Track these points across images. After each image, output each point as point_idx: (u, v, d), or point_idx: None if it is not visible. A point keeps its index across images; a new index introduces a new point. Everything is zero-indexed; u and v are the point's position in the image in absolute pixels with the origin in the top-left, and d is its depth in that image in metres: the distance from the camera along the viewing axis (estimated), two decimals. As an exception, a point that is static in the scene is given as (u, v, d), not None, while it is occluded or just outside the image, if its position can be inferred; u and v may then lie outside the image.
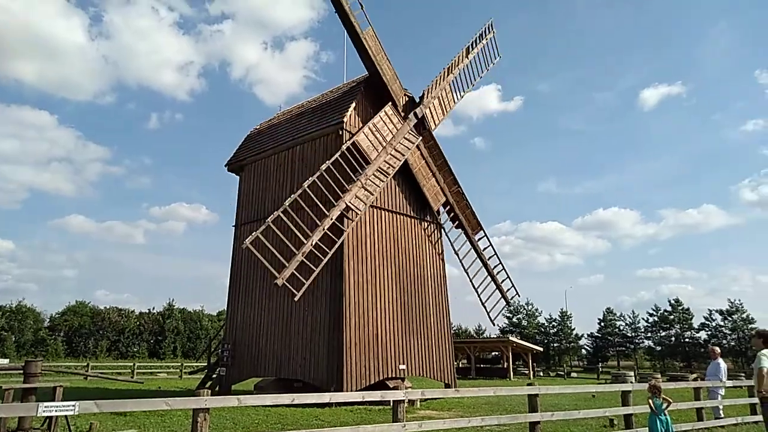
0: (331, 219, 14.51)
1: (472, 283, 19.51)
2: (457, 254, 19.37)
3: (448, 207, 19.38)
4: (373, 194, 15.94)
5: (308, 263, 13.92)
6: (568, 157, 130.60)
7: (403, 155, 17.30)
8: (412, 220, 18.55)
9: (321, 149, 17.38)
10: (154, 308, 61.63)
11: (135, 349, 56.50)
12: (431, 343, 17.81)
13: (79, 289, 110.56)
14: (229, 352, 18.68)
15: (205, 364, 22.63)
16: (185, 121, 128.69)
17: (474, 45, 21.00)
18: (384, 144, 16.74)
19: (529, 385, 8.39)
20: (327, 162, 14.80)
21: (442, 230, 19.58)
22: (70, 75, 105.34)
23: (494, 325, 22.10)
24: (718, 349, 12.70)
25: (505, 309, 21.59)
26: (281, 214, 13.70)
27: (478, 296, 19.65)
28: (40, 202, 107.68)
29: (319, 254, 14.17)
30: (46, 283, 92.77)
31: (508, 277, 20.54)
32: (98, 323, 56.31)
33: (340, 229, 14.79)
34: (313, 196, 14.33)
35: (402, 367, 16.44)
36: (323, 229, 14.27)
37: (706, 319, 58.41)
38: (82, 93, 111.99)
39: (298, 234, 13.86)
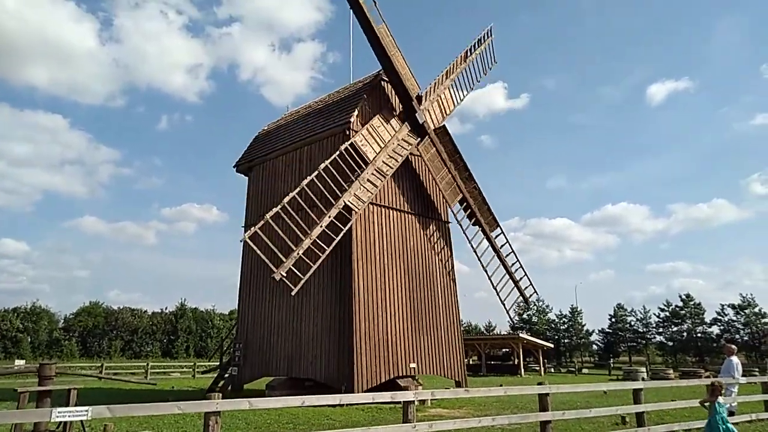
0: (330, 217, 14.51)
1: (492, 282, 19.21)
2: (475, 251, 19.13)
3: (465, 204, 19.16)
4: (371, 192, 15.91)
5: (307, 260, 13.90)
6: (577, 153, 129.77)
7: (402, 156, 17.30)
8: (421, 218, 18.54)
9: (328, 149, 17.40)
10: (166, 308, 62.21)
11: (148, 349, 56.99)
12: (441, 340, 17.82)
13: (93, 290, 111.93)
14: (240, 351, 18.82)
15: (218, 363, 22.81)
16: (195, 123, 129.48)
17: (473, 49, 21.10)
18: (382, 146, 16.79)
19: (539, 384, 8.37)
20: (325, 162, 14.89)
21: (460, 227, 19.21)
22: (82, 79, 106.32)
23: (514, 324, 21.96)
24: (734, 347, 12.60)
25: (524, 307, 21.39)
26: (280, 211, 13.76)
27: (498, 295, 19.38)
28: (53, 204, 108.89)
29: (318, 252, 14.18)
30: (60, 284, 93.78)
31: (526, 275, 20.28)
32: (112, 323, 56.85)
33: (338, 227, 14.74)
34: (312, 195, 14.39)
35: (412, 365, 16.47)
36: (322, 227, 14.29)
37: (718, 313, 57.89)
38: (93, 96, 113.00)
39: (297, 231, 13.89)
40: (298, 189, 14.29)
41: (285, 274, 13.36)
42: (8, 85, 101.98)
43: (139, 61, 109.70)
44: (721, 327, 57.27)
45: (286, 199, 13.99)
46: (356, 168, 15.61)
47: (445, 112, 20.03)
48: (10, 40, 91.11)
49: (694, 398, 9.83)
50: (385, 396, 7.07)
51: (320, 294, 16.33)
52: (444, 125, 19.33)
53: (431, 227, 18.90)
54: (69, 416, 4.70)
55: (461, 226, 19.15)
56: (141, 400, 14.65)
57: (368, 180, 15.96)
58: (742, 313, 55.67)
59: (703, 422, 10.20)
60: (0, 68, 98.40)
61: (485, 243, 19.42)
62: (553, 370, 48.12)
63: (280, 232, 13.46)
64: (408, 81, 18.12)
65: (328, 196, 14.81)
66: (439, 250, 18.90)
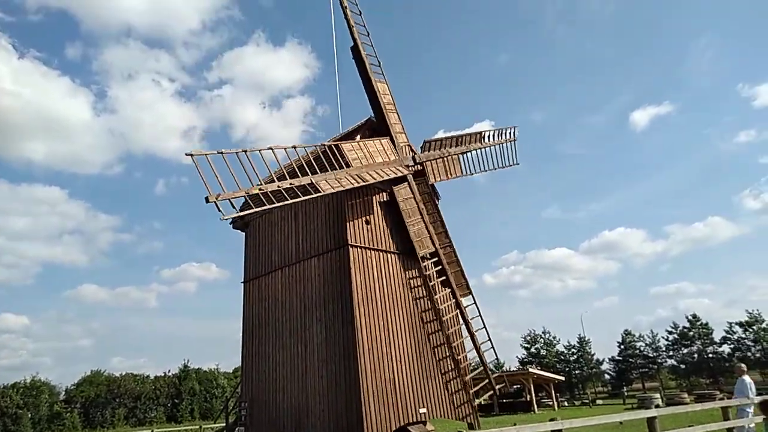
0: (291, 184, 14.24)
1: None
2: (439, 311, 17.77)
3: (436, 259, 17.98)
4: (342, 186, 15.32)
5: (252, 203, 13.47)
6: (568, 182, 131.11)
7: (386, 175, 17.05)
8: (418, 260, 18.49)
9: (323, 199, 17.55)
10: (169, 371, 61.02)
11: (152, 415, 55.55)
12: (450, 383, 17.53)
13: (96, 358, 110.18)
14: (246, 410, 18.43)
15: (224, 424, 22.27)
16: (191, 184, 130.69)
17: (491, 137, 21.75)
18: (369, 162, 16.83)
19: (551, 420, 8.25)
20: (304, 147, 14.95)
21: (427, 283, 17.92)
22: (78, 150, 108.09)
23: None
24: (744, 366, 12.47)
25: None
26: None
27: (454, 356, 17.91)
28: (53, 275, 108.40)
29: (273, 198, 13.86)
30: (63, 354, 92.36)
31: (489, 339, 18.56)
32: (114, 391, 55.61)
33: (297, 194, 14.32)
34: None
35: (422, 410, 16.16)
36: (280, 186, 14.04)
37: (726, 332, 57.20)
38: (90, 166, 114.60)
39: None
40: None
41: (217, 200, 12.58)
42: (5, 161, 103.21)
43: (135, 129, 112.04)
44: (732, 345, 56.50)
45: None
46: (336, 167, 15.46)
47: (449, 173, 20.32)
48: (6, 117, 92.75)
49: (711, 422, 9.67)
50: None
51: (324, 345, 16.16)
52: (424, 141, 19.80)
53: (431, 267, 18.83)
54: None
55: (428, 282, 17.79)
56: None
57: (343, 177, 15.50)
58: (751, 330, 55.08)
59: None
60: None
61: (452, 305, 17.95)
62: (566, 403, 47.05)
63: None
64: (401, 138, 18.73)
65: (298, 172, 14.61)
66: (439, 290, 18.77)
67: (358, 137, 18.36)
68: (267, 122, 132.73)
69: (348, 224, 16.56)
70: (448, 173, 20.24)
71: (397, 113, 19.16)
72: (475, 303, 18.73)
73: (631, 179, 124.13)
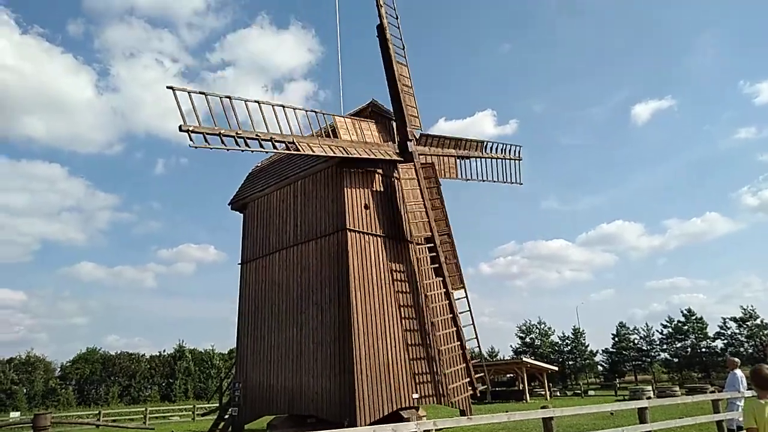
0: (272, 138, 14.73)
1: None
2: (428, 297, 17.30)
3: (432, 245, 17.44)
4: (324, 153, 15.65)
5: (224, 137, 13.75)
6: (568, 173, 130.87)
7: (374, 155, 17.10)
8: (414, 244, 18.49)
9: (321, 182, 17.54)
10: (164, 351, 61.29)
11: (147, 394, 55.95)
12: (443, 369, 17.58)
13: (91, 336, 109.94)
14: (240, 391, 18.53)
15: (217, 404, 22.42)
16: (190, 165, 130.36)
17: (494, 149, 21.57)
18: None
19: (543, 407, 8.29)
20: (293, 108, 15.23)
21: (416, 269, 17.79)
22: (80, 128, 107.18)
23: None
24: (736, 360, 12.51)
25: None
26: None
27: (437, 349, 17.28)
28: (51, 252, 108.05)
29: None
30: (59, 331, 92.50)
31: (476, 337, 18.14)
32: (109, 369, 55.92)
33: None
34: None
35: (415, 396, 16.24)
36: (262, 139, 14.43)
37: (720, 327, 57.59)
38: (91, 145, 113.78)
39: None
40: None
41: (190, 131, 12.92)
42: (6, 137, 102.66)
43: (137, 108, 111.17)
44: (725, 341, 56.93)
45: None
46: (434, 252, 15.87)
47: (444, 173, 20.19)
48: (8, 94, 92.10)
49: (701, 414, 9.73)
50: (387, 429, 6.99)
51: (319, 328, 16.20)
52: (432, 163, 19.44)
53: (425, 252, 18.83)
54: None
55: (418, 269, 17.50)
56: (140, 447, 14.36)
57: (327, 146, 15.71)
58: (745, 326, 55.42)
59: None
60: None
61: (444, 300, 17.31)
62: (558, 393, 47.43)
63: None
64: (412, 121, 18.59)
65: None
66: (434, 275, 18.77)
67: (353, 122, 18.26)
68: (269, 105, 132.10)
69: (347, 208, 16.50)
70: (443, 173, 20.05)
71: (414, 96, 19.06)
72: (466, 297, 18.22)
73: (630, 172, 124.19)
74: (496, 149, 21.59)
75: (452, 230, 18.74)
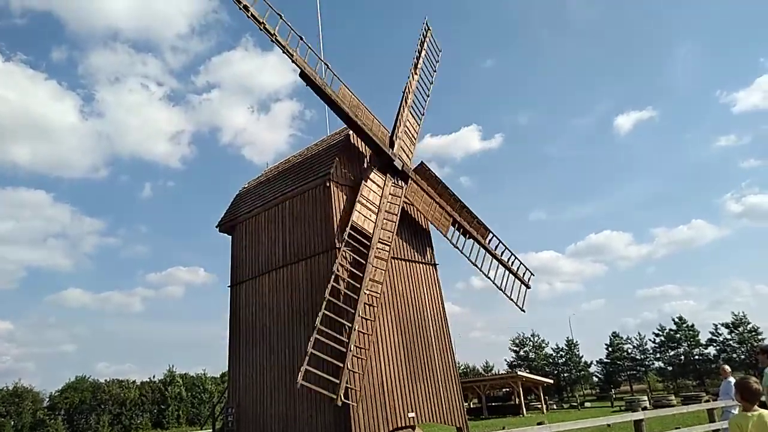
0: (359, 315, 14.36)
1: (497, 285, 20.31)
2: (476, 265, 19.73)
3: (457, 224, 19.56)
4: (383, 270, 15.82)
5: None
6: (555, 184, 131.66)
7: (396, 215, 17.20)
8: (409, 263, 18.48)
9: (309, 202, 17.47)
10: (154, 376, 60.32)
11: (138, 421, 54.90)
12: (438, 386, 17.46)
13: (80, 364, 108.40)
14: (233, 416, 18.22)
15: (210, 430, 22.03)
16: (177, 188, 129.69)
17: (419, 55, 21.24)
18: (376, 211, 16.81)
19: (539, 423, 8.22)
20: (336, 261, 14.88)
21: (457, 248, 19.38)
22: (65, 154, 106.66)
23: (524, 312, 21.06)
24: (728, 368, 12.53)
25: (526, 299, 20.89)
26: (317, 335, 13.24)
27: (503, 292, 20.42)
28: (37, 280, 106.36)
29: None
30: (46, 360, 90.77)
31: (522, 264, 21.30)
32: (99, 397, 54.87)
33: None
34: (335, 301, 14.25)
35: (411, 415, 16.05)
36: (356, 330, 14.04)
37: (712, 334, 57.81)
38: (76, 170, 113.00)
39: (335, 345, 13.65)
40: (324, 304, 13.79)
41: (343, 393, 13.10)
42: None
43: (122, 132, 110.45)
44: (717, 347, 57.11)
45: (318, 321, 13.40)
46: (363, 250, 15.52)
47: (413, 137, 20.01)
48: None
49: (697, 424, 9.69)
50: (383, 451, 6.87)
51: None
52: (423, 162, 19.63)
53: (419, 270, 18.82)
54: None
55: (458, 248, 19.43)
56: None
57: (376, 257, 15.82)
58: (736, 332, 55.67)
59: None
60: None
61: (482, 251, 19.97)
62: (555, 406, 47.21)
63: (321, 355, 13.05)
64: (378, 131, 18.21)
65: (351, 293, 14.76)
66: (429, 293, 18.75)
67: (338, 155, 18.28)
68: (255, 126, 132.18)
69: (336, 227, 16.43)
70: (412, 138, 19.80)
71: (368, 110, 18.47)
72: (495, 236, 20.67)
73: (616, 182, 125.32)
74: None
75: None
